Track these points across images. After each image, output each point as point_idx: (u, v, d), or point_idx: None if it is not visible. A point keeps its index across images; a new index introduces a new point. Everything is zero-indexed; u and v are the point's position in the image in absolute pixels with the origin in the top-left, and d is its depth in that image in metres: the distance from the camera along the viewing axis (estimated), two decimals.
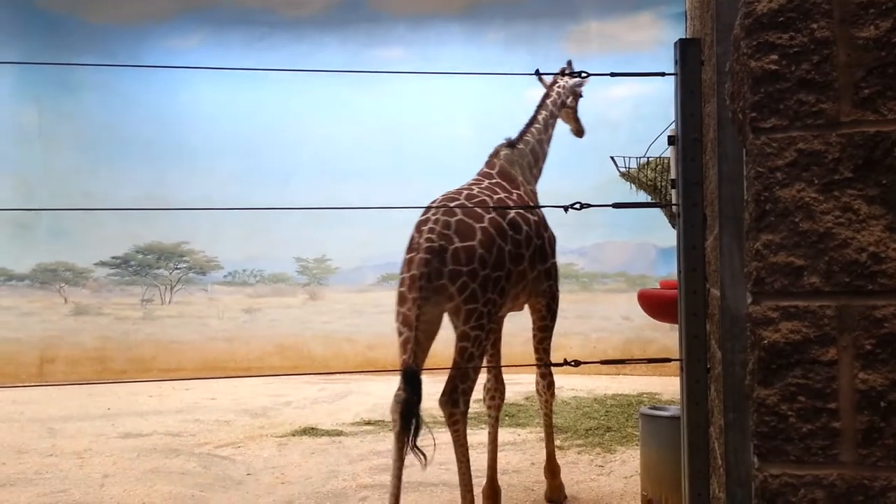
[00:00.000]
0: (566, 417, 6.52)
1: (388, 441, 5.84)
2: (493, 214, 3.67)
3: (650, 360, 2.89)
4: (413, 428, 3.43)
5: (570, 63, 4.82)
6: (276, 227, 10.10)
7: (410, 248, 3.63)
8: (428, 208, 3.68)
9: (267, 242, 10.24)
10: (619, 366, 8.79)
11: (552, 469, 4.45)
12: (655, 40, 9.36)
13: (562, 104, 4.69)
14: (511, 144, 4.43)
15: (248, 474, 5.05)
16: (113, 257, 10.25)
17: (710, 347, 2.48)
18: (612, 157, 6.52)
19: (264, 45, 10.19)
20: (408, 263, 3.58)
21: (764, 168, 1.11)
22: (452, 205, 3.64)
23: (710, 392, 2.50)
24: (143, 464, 5.35)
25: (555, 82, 4.68)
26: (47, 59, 9.68)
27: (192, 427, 6.55)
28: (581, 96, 4.91)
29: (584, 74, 3.24)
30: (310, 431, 6.23)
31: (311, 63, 9.86)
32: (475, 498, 3.78)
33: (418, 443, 3.50)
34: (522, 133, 4.53)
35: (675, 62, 2.60)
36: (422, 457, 3.44)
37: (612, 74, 3.03)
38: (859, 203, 1.07)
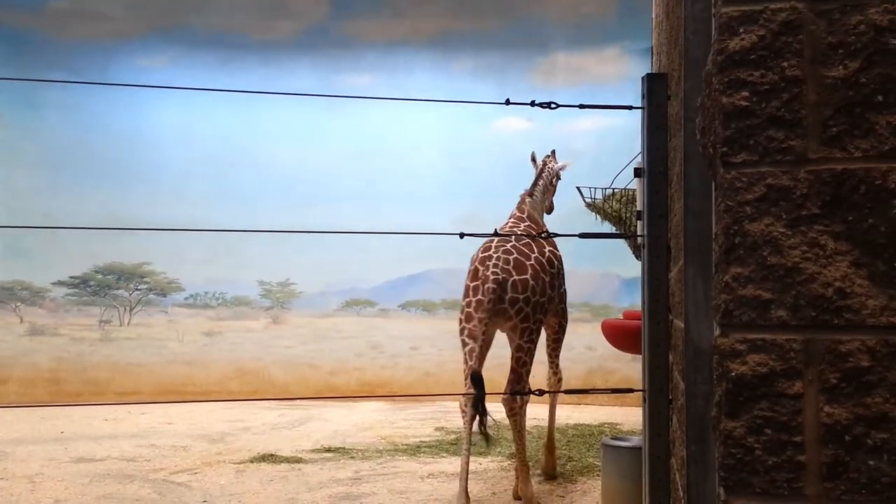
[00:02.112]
0: (527, 447, 6.49)
1: (347, 469, 5.78)
2: (536, 254, 4.76)
3: (613, 391, 2.90)
4: (481, 415, 4.34)
5: (553, 152, 5.77)
6: (240, 250, 10.01)
7: (475, 277, 4.62)
8: (489, 245, 4.70)
9: (230, 265, 10.14)
10: (581, 395, 8.81)
11: (550, 448, 5.47)
12: (621, 74, 9.52)
13: (551, 181, 5.66)
14: (531, 195, 5.44)
15: (204, 501, 4.94)
16: (71, 277, 10.06)
17: (673, 379, 2.50)
18: (578, 188, 6.58)
19: (233, 67, 10.16)
20: (474, 290, 4.58)
21: (733, 202, 1.12)
22: (508, 245, 4.72)
23: (672, 423, 2.51)
24: (95, 489, 5.21)
25: (546, 163, 5.63)
26: (11, 76, 9.54)
27: (147, 452, 6.42)
28: (560, 179, 5.79)
29: (553, 105, 3.27)
30: (269, 458, 6.13)
31: (280, 87, 9.85)
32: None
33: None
34: (535, 188, 5.49)
35: (642, 96, 2.64)
36: (484, 438, 4.50)
37: (581, 106, 3.06)
38: (826, 239, 1.09)
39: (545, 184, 5.59)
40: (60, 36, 10.09)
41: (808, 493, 1.08)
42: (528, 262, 4.65)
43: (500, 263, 4.56)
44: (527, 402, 4.78)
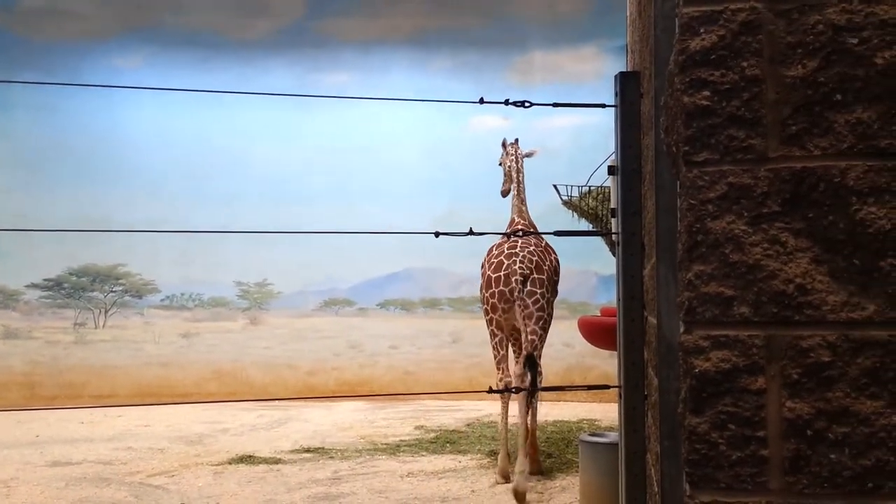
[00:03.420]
0: (507, 444, 6.52)
1: (326, 469, 5.77)
2: (549, 259, 5.46)
3: (589, 387, 2.91)
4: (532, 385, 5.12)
5: (517, 140, 6.27)
6: (216, 251, 9.94)
7: (498, 269, 5.29)
8: (514, 244, 5.35)
9: (207, 266, 10.07)
10: (559, 392, 8.85)
11: (533, 445, 5.58)
12: (597, 72, 9.56)
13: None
14: (523, 200, 6.06)
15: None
16: (45, 279, 9.95)
17: (648, 375, 2.52)
18: (554, 186, 6.61)
19: (209, 66, 10.09)
20: (496, 280, 5.28)
21: (696, 200, 1.13)
22: (529, 244, 5.41)
23: (648, 419, 2.53)
24: (72, 493, 5.17)
25: (517, 151, 6.15)
26: None
27: (123, 455, 6.37)
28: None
29: (527, 104, 3.29)
30: (247, 459, 6.10)
31: (257, 86, 9.80)
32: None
33: None
34: (521, 189, 6.05)
35: (616, 94, 2.65)
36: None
37: (555, 105, 3.07)
38: (786, 236, 1.10)
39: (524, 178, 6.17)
40: (33, 36, 9.98)
41: (771, 488, 1.10)
42: (544, 266, 5.35)
43: (525, 262, 5.25)
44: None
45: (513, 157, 6.18)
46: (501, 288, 5.25)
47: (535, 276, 5.28)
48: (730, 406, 1.11)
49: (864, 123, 1.08)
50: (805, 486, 1.08)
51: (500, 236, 5.91)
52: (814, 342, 1.09)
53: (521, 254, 5.29)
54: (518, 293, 5.19)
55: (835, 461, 1.08)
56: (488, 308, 5.36)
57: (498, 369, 5.42)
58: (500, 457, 5.44)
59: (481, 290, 5.49)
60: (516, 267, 5.22)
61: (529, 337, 5.22)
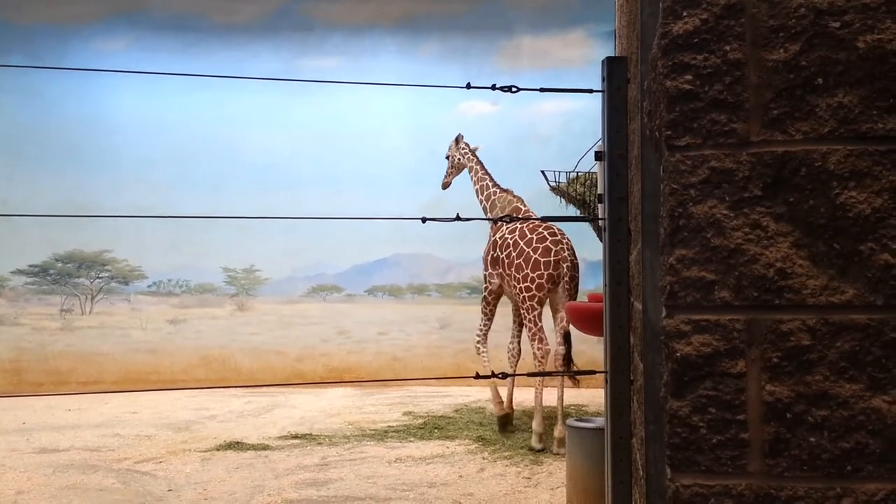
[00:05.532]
0: (494, 429, 6.55)
1: (314, 455, 5.78)
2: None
3: (576, 373, 2.93)
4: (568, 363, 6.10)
5: (461, 135, 7.02)
6: (203, 237, 9.89)
7: (546, 254, 5.86)
8: (554, 231, 5.95)
9: (194, 252, 10.02)
10: (547, 377, 8.86)
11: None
12: (585, 57, 9.54)
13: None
14: (507, 189, 6.68)
15: (170, 490, 4.91)
16: (31, 265, 9.89)
17: (634, 360, 2.53)
18: (542, 172, 6.62)
19: (195, 50, 10.00)
20: (545, 265, 5.85)
21: (678, 185, 1.13)
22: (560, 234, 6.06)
23: (633, 404, 2.54)
24: (58, 480, 5.16)
25: (466, 147, 6.88)
26: None
27: (111, 442, 6.35)
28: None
29: (514, 89, 3.29)
30: (235, 446, 6.10)
31: (243, 71, 9.73)
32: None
33: None
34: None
35: (603, 79, 2.65)
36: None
37: (542, 90, 3.06)
38: (767, 220, 1.10)
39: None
40: (16, 19, 9.86)
41: (751, 470, 1.10)
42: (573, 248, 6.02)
43: (570, 249, 5.95)
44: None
45: (465, 150, 6.78)
46: (551, 272, 5.82)
47: (576, 259, 5.98)
48: (710, 390, 1.11)
49: (845, 107, 1.08)
50: (784, 468, 1.09)
51: (490, 222, 6.13)
52: (793, 326, 1.09)
53: (564, 241, 5.92)
54: (562, 277, 5.86)
55: (814, 444, 1.09)
56: (533, 287, 5.86)
57: (536, 339, 5.96)
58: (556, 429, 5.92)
59: (521, 271, 5.90)
60: (565, 254, 5.87)
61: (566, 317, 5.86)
